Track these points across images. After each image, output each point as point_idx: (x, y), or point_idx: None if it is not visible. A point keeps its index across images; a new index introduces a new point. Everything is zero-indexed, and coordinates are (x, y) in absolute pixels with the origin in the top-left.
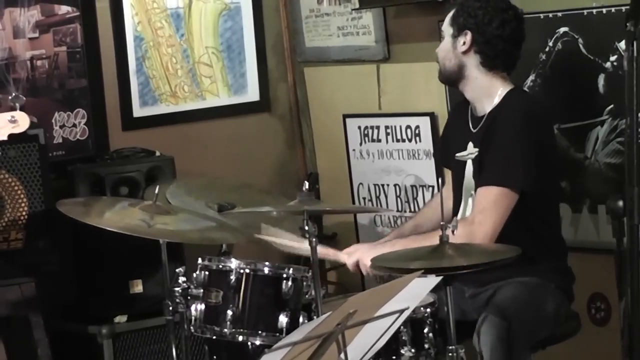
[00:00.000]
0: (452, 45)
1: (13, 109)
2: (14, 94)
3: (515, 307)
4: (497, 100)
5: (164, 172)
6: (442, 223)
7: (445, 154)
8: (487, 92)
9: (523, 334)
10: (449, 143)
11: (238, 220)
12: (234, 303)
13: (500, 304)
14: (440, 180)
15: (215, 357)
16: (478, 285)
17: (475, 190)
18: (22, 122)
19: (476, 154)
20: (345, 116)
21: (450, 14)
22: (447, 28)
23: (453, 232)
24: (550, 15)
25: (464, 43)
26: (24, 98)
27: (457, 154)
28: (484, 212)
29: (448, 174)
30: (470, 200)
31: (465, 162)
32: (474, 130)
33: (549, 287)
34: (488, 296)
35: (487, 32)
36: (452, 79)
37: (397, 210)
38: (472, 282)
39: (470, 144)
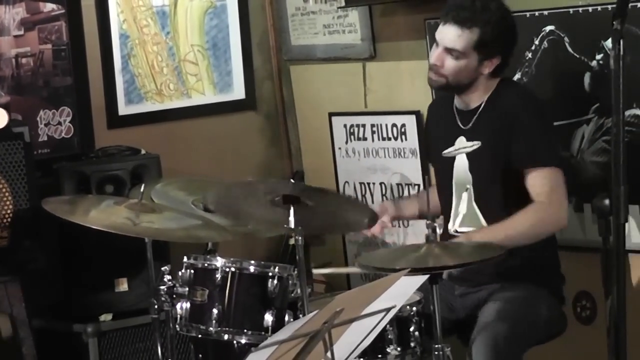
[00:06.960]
0: (479, 68)
1: None
2: None
3: (507, 324)
4: (490, 90)
5: (150, 171)
6: (427, 222)
7: (428, 152)
8: (483, 88)
9: (514, 346)
10: (431, 141)
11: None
12: (220, 301)
13: (491, 321)
14: (427, 179)
15: (200, 355)
16: (470, 286)
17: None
18: (0, 118)
19: (477, 146)
20: (331, 114)
21: (475, 37)
22: (467, 49)
23: (440, 228)
24: (537, 13)
25: (489, 66)
26: (2, 94)
27: (445, 151)
28: (553, 193)
29: (432, 171)
30: (464, 195)
31: (453, 158)
32: (467, 125)
33: (542, 293)
34: (479, 298)
35: (511, 51)
36: (457, 90)
37: None
38: (465, 281)
39: (462, 139)
